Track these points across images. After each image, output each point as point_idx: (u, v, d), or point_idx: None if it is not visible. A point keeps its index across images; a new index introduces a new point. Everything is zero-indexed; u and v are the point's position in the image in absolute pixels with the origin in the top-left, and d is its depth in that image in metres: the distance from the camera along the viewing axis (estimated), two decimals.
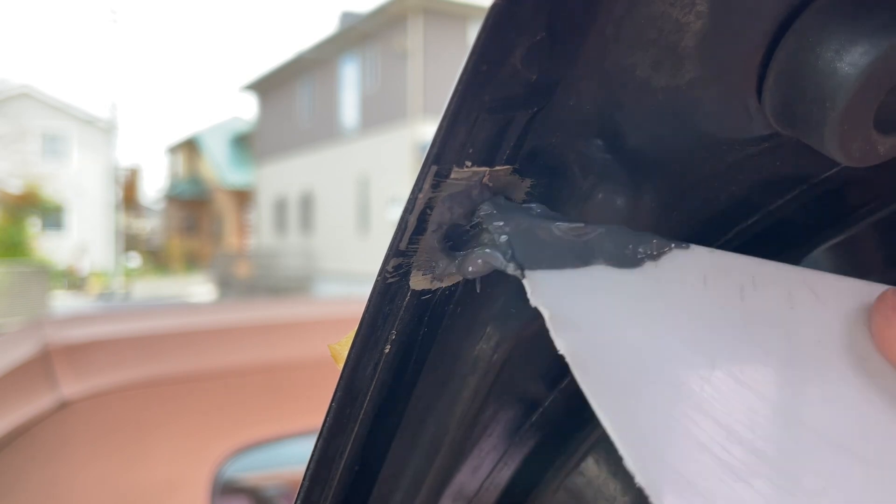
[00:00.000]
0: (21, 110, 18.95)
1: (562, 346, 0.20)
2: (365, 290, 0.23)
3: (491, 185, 0.22)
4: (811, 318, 0.24)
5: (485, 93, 0.19)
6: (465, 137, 0.20)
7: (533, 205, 0.22)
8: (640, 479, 0.18)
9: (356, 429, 0.25)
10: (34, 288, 11.24)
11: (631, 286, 0.22)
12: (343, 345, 0.28)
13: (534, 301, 0.20)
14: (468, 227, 0.22)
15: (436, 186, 0.21)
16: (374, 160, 13.80)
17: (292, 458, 1.16)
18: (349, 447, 0.26)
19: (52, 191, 19.12)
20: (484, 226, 0.22)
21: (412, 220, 0.21)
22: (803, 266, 0.29)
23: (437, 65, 12.63)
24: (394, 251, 0.22)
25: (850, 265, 0.29)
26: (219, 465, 1.04)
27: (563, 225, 0.22)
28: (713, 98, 0.21)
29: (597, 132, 0.22)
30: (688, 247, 0.23)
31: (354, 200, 14.45)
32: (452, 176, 0.21)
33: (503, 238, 0.21)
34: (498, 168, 0.21)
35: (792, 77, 0.20)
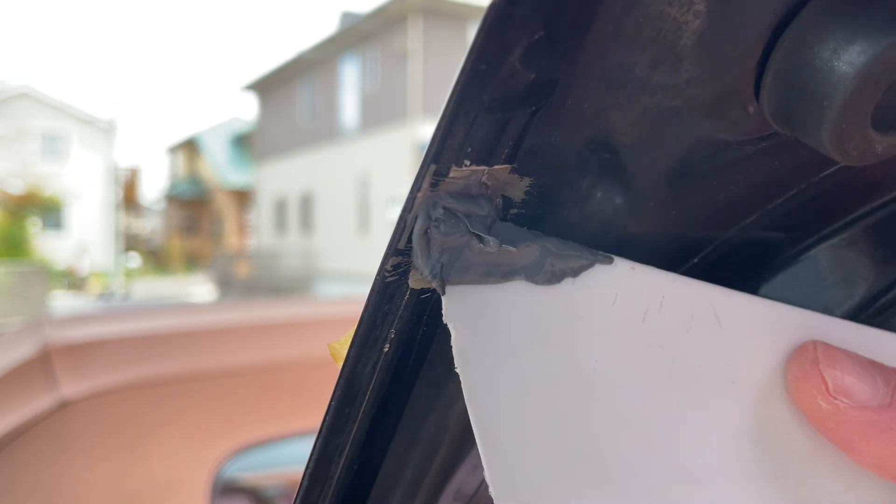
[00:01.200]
0: (21, 110, 18.95)
1: (458, 365, 0.21)
2: (365, 290, 0.24)
3: (490, 183, 0.22)
4: (703, 342, 0.24)
5: (483, 92, 0.19)
6: (464, 136, 0.20)
7: (477, 214, 0.22)
8: (492, 491, 0.20)
9: (355, 427, 0.25)
10: (34, 288, 11.25)
11: (542, 305, 0.22)
12: (342, 343, 0.28)
13: (445, 319, 0.21)
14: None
15: (434, 185, 0.21)
16: (374, 160, 13.80)
17: (292, 458, 1.16)
18: (348, 446, 0.26)
19: (52, 191, 19.12)
20: (427, 231, 0.22)
21: (411, 219, 0.21)
22: (803, 265, 0.29)
23: (437, 65, 12.63)
24: (393, 250, 0.22)
25: (850, 264, 0.29)
26: (219, 465, 1.04)
27: (496, 244, 0.22)
28: (711, 97, 0.22)
29: (595, 131, 0.22)
30: (611, 262, 0.23)
31: (354, 200, 14.46)
32: (451, 175, 0.21)
33: (437, 253, 0.21)
34: (497, 167, 0.21)
35: (790, 76, 0.20)
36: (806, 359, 0.23)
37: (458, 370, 0.21)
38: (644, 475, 0.23)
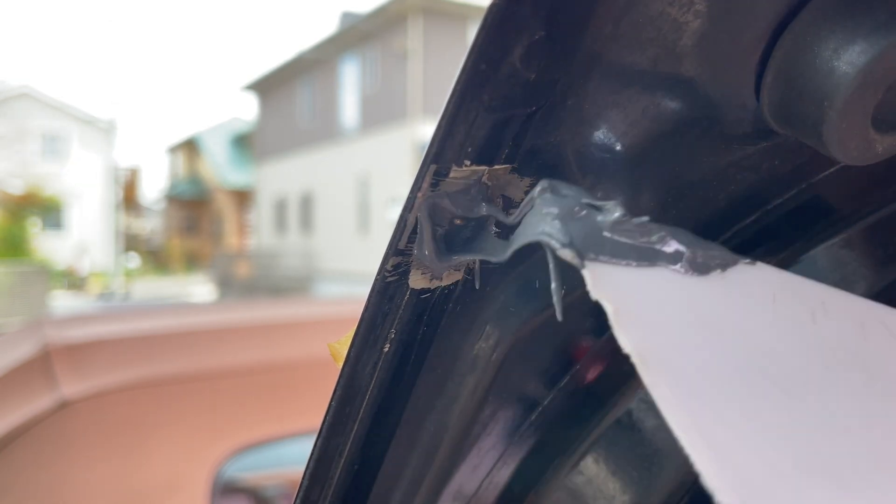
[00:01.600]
0: (21, 110, 18.95)
1: (625, 342, 0.19)
2: (365, 290, 0.24)
3: (490, 183, 0.22)
4: (886, 352, 0.23)
5: (484, 92, 0.19)
6: (464, 136, 0.20)
7: (587, 193, 0.21)
8: (710, 484, 0.18)
9: (355, 427, 0.25)
10: (34, 288, 11.24)
11: (698, 293, 0.21)
12: (342, 343, 0.28)
13: (595, 294, 0.19)
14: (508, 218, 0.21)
15: (435, 185, 0.21)
16: (374, 160, 13.80)
17: (292, 458, 1.16)
18: (348, 446, 0.26)
19: (52, 191, 19.11)
20: (536, 205, 0.20)
21: (411, 219, 0.21)
22: (803, 265, 0.29)
23: (437, 65, 12.63)
24: (393, 250, 0.22)
25: (850, 264, 0.29)
26: (219, 465, 1.04)
27: (627, 219, 0.20)
28: (712, 97, 0.22)
29: (596, 131, 0.22)
30: (755, 263, 0.22)
31: (354, 200, 14.45)
32: (451, 175, 0.21)
33: (556, 223, 0.20)
34: (497, 167, 0.21)
35: (790, 76, 0.20)
36: None
37: (625, 349, 0.19)
38: (866, 478, 0.21)
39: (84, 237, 19.94)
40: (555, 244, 0.20)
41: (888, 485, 0.21)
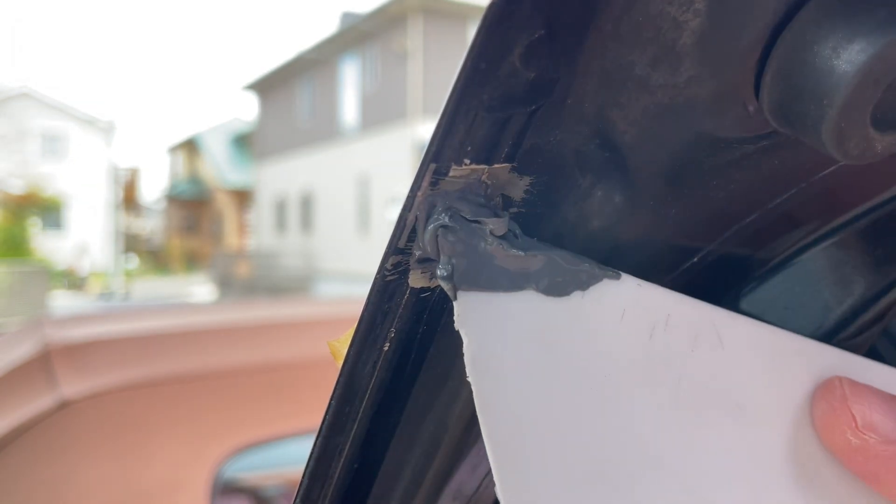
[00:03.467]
0: (21, 110, 18.95)
1: (470, 374, 0.21)
2: (364, 290, 0.24)
3: (490, 182, 0.22)
4: (707, 363, 0.24)
5: (483, 91, 0.19)
6: (464, 135, 0.20)
7: (489, 220, 0.22)
8: (502, 500, 0.21)
9: (355, 427, 0.25)
10: (34, 288, 11.25)
11: (551, 318, 0.22)
12: (342, 342, 0.28)
13: (457, 325, 0.21)
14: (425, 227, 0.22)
15: (434, 184, 0.21)
16: (374, 160, 13.80)
17: (292, 458, 1.16)
18: (348, 445, 0.26)
19: (52, 191, 19.12)
20: (438, 237, 0.22)
21: (411, 218, 0.21)
22: (803, 265, 0.29)
23: (437, 65, 12.63)
24: (393, 249, 0.22)
25: (849, 263, 0.29)
26: (219, 465, 1.04)
27: (505, 248, 0.22)
28: (711, 96, 0.22)
29: (595, 130, 0.22)
30: (618, 277, 0.23)
31: (354, 200, 14.46)
32: (451, 174, 0.21)
33: (449, 257, 0.22)
34: (497, 166, 0.21)
35: (789, 75, 0.20)
36: (834, 395, 0.24)
37: (469, 377, 0.21)
38: (650, 491, 0.23)
39: (84, 237, 19.94)
40: (439, 273, 0.22)
41: (659, 495, 0.23)
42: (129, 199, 26.40)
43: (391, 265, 0.22)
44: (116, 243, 20.35)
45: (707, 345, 0.24)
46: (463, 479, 0.32)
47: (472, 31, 0.19)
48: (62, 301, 13.58)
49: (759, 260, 0.29)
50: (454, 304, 0.22)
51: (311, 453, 0.26)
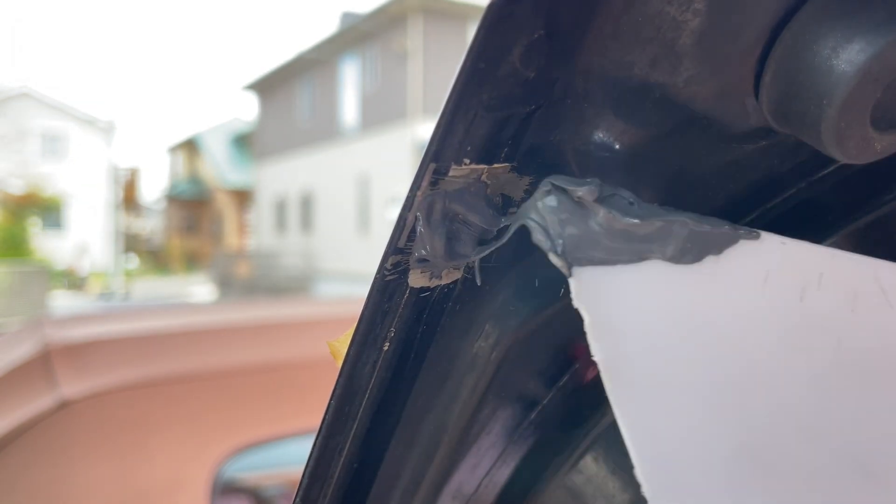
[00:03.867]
0: (21, 110, 18.95)
1: (597, 353, 0.19)
2: (364, 290, 0.24)
3: (489, 182, 0.22)
4: (871, 322, 0.22)
5: (483, 91, 0.19)
6: (464, 135, 0.20)
7: (582, 189, 0.20)
8: (646, 492, 0.18)
9: (355, 426, 0.25)
10: (34, 288, 11.24)
11: (684, 287, 0.20)
12: (342, 342, 0.28)
13: (576, 302, 0.20)
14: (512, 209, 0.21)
15: (434, 184, 0.21)
16: (374, 160, 13.79)
17: (292, 458, 1.16)
18: (348, 445, 0.26)
19: (52, 191, 19.11)
20: (538, 204, 0.20)
21: (410, 217, 0.21)
22: None
23: (437, 65, 12.63)
24: (392, 249, 0.22)
25: None
26: (219, 465, 1.04)
27: (621, 218, 0.20)
28: (711, 96, 0.22)
29: (595, 130, 0.22)
30: (757, 236, 0.21)
31: (354, 200, 14.45)
32: (451, 174, 0.21)
33: (554, 227, 0.20)
34: (496, 166, 0.21)
35: (789, 75, 0.20)
36: None
37: (595, 358, 0.19)
38: (814, 471, 0.21)
39: (84, 237, 19.93)
40: (547, 248, 0.20)
41: (825, 476, 0.21)
42: (129, 199, 26.38)
43: (391, 265, 0.22)
44: (116, 243, 20.34)
45: (870, 302, 0.22)
46: (463, 478, 0.32)
47: (472, 31, 0.19)
48: (62, 301, 13.57)
49: None
50: (569, 280, 0.20)
51: (311, 453, 0.26)
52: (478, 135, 0.20)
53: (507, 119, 0.20)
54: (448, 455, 0.30)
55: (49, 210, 19.44)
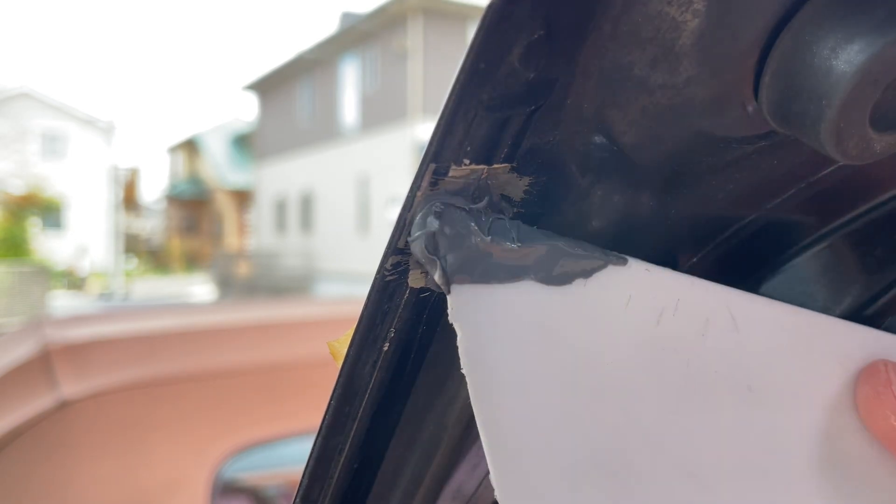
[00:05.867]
0: (21, 110, 18.95)
1: (465, 366, 0.21)
2: (364, 290, 0.24)
3: (489, 182, 0.22)
4: (719, 347, 0.23)
5: (483, 91, 0.19)
6: (463, 135, 0.20)
7: (482, 216, 0.22)
8: (498, 495, 0.21)
9: (355, 426, 0.26)
10: (34, 288, 11.25)
11: (552, 307, 0.22)
12: (342, 342, 0.28)
13: (451, 318, 0.21)
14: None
15: (434, 184, 0.21)
16: (374, 160, 13.80)
17: (292, 458, 1.16)
18: (348, 445, 0.26)
19: (52, 191, 19.11)
20: (428, 229, 0.21)
21: (410, 218, 0.21)
22: (802, 264, 0.29)
23: (437, 65, 12.63)
24: (392, 249, 0.22)
25: (849, 263, 0.29)
26: (219, 465, 1.04)
27: (500, 244, 0.21)
28: (710, 96, 0.22)
29: (595, 130, 0.22)
30: (624, 262, 0.23)
31: (354, 200, 14.46)
32: (451, 174, 0.21)
33: (442, 250, 0.21)
34: (496, 166, 0.22)
35: (788, 75, 0.20)
36: (878, 379, 0.24)
37: (464, 371, 0.21)
38: (654, 479, 0.22)
39: (84, 237, 19.94)
40: (430, 268, 0.21)
41: (663, 483, 0.23)
42: (129, 200, 26.39)
43: (391, 265, 0.22)
44: (116, 243, 20.34)
45: (720, 328, 0.23)
46: (462, 479, 0.32)
47: (471, 31, 0.19)
48: (62, 301, 13.57)
49: (758, 260, 0.29)
50: (448, 297, 0.21)
51: (311, 453, 0.26)
52: (478, 135, 0.20)
53: (506, 119, 0.20)
54: (448, 455, 0.30)
55: (49, 210, 19.44)
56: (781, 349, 0.24)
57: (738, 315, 0.24)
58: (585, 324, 0.22)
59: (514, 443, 0.21)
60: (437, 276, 0.21)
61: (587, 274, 0.22)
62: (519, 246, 0.22)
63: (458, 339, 0.21)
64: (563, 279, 0.22)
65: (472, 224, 0.21)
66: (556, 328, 0.22)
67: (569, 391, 0.22)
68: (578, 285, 0.22)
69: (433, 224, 0.21)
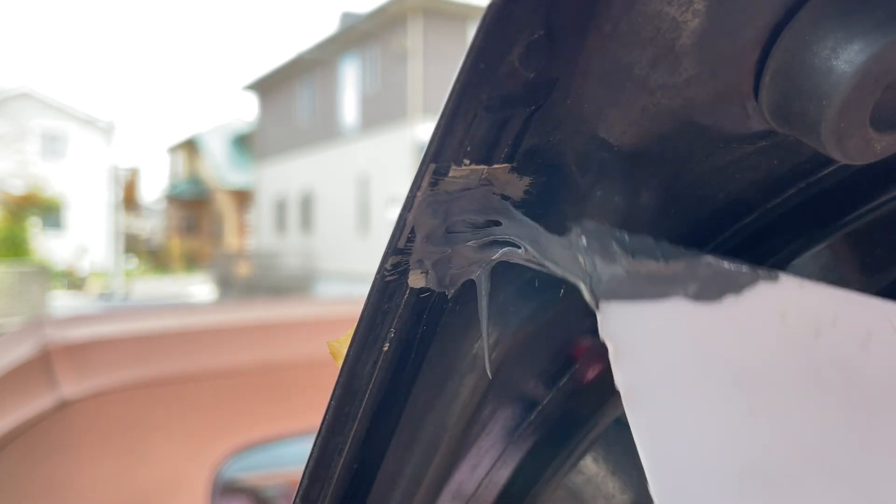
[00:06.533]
0: (21, 110, 18.95)
1: (619, 380, 0.20)
2: (364, 290, 0.24)
3: (490, 183, 0.22)
4: (883, 360, 0.23)
5: (483, 91, 0.19)
6: (464, 135, 0.20)
7: (621, 233, 0.22)
8: None
9: (355, 427, 0.25)
10: (34, 288, 11.24)
11: (704, 324, 0.21)
12: (342, 342, 0.28)
13: (602, 334, 0.21)
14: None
15: (434, 184, 0.21)
16: (374, 160, 13.80)
17: (292, 458, 1.16)
18: (348, 445, 0.26)
19: (51, 191, 19.11)
20: (572, 245, 0.21)
21: (410, 218, 0.21)
22: (802, 265, 0.29)
23: (437, 65, 12.63)
24: (392, 249, 0.22)
25: (849, 263, 0.29)
26: (219, 465, 1.04)
27: (643, 261, 0.21)
28: (710, 96, 0.22)
29: (595, 130, 0.22)
30: (776, 278, 0.22)
31: (354, 200, 14.46)
32: (451, 174, 0.21)
33: (589, 266, 0.21)
34: (496, 166, 0.21)
35: (788, 75, 0.20)
36: None
37: (618, 386, 0.20)
38: (815, 494, 0.22)
39: (84, 237, 19.93)
40: (580, 285, 0.21)
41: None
42: (129, 200, 26.38)
43: (391, 265, 0.22)
44: (116, 243, 20.33)
45: (882, 342, 0.23)
46: (462, 479, 0.32)
47: (472, 31, 0.19)
48: (62, 301, 13.57)
49: (758, 260, 0.29)
50: (597, 314, 0.21)
51: (311, 453, 0.26)
52: (478, 135, 0.20)
53: (507, 119, 0.20)
54: (448, 455, 0.30)
55: (49, 210, 19.44)
56: None
57: None
58: (741, 340, 0.22)
59: (671, 456, 0.20)
60: (586, 296, 0.21)
61: (738, 289, 0.22)
62: (665, 263, 0.21)
63: (610, 354, 0.21)
64: (714, 295, 0.22)
65: (614, 242, 0.21)
66: (711, 346, 0.21)
67: (728, 410, 0.21)
68: (729, 301, 0.22)
69: (582, 244, 0.21)
